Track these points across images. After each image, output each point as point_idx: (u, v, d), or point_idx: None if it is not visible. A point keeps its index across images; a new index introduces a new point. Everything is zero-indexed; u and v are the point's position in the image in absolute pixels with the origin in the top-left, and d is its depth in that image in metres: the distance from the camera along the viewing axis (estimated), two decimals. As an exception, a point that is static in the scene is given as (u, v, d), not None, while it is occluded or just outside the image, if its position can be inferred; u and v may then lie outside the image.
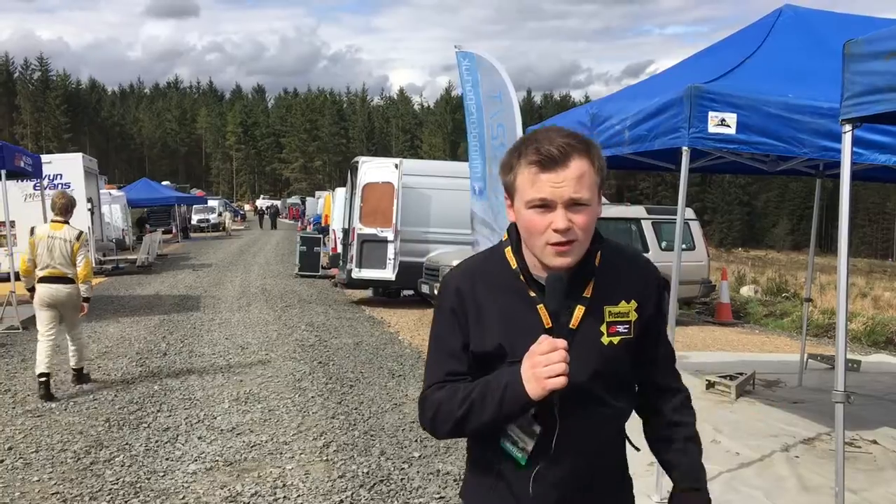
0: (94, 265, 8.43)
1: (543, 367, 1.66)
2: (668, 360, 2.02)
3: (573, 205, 1.73)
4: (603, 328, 1.83)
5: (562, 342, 1.68)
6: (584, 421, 1.81)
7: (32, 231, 7.99)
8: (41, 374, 7.50)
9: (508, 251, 1.89)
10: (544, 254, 1.77)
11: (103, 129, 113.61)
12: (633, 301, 1.86)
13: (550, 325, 1.78)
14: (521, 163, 1.77)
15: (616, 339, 1.83)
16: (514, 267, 1.86)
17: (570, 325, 1.80)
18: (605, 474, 1.92)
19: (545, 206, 1.74)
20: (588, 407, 1.81)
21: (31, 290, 7.96)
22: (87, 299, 7.90)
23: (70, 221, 7.97)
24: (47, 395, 7.44)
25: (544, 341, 1.69)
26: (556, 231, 1.73)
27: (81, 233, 8.04)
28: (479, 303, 1.86)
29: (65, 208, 7.93)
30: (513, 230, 1.89)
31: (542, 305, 1.81)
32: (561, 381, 1.66)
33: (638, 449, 2.06)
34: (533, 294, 1.83)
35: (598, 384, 1.81)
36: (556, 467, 1.82)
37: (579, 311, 1.81)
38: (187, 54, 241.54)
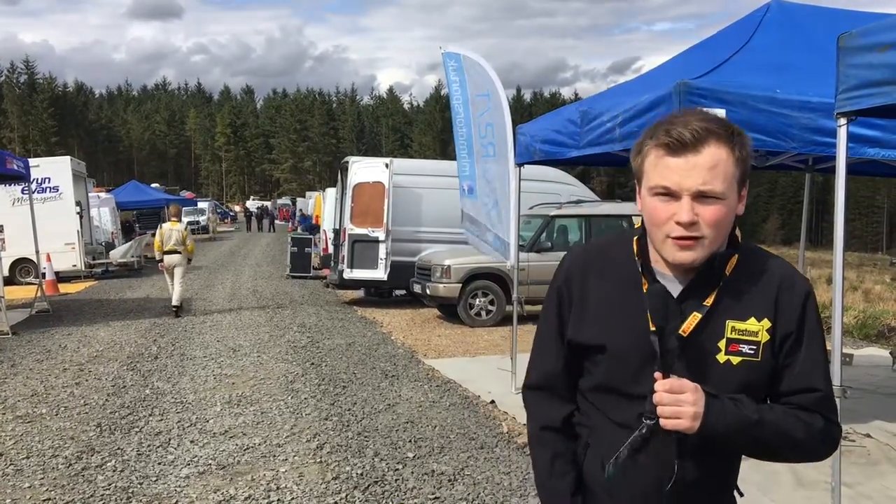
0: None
1: None
2: (811, 393, 1.67)
3: (701, 196, 1.56)
4: (721, 344, 1.62)
5: None
6: (692, 449, 1.64)
7: (161, 227, 13.79)
8: (174, 306, 13.40)
9: (635, 239, 1.75)
10: (664, 247, 1.62)
11: (91, 132, 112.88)
12: (765, 319, 1.63)
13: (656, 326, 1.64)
14: (650, 144, 1.63)
15: (736, 360, 1.62)
16: (636, 257, 1.72)
17: (681, 332, 1.61)
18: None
19: (669, 194, 1.59)
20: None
21: (160, 260, 13.55)
22: (189, 260, 14.07)
23: (181, 219, 13.92)
24: (177, 314, 13.31)
25: None
26: (678, 224, 1.57)
27: (186, 225, 14.00)
28: (587, 288, 1.75)
29: (177, 213, 13.95)
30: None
31: None
32: None
33: (741, 494, 1.86)
34: (647, 286, 1.68)
35: None
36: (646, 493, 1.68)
37: (693, 318, 1.62)
38: (172, 56, 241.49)
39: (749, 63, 5.31)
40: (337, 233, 16.30)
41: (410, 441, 6.19)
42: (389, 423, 6.73)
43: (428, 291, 12.96)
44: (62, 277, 18.80)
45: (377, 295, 16.34)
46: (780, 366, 1.66)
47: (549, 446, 1.84)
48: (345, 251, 14.86)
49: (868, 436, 6.21)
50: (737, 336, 1.63)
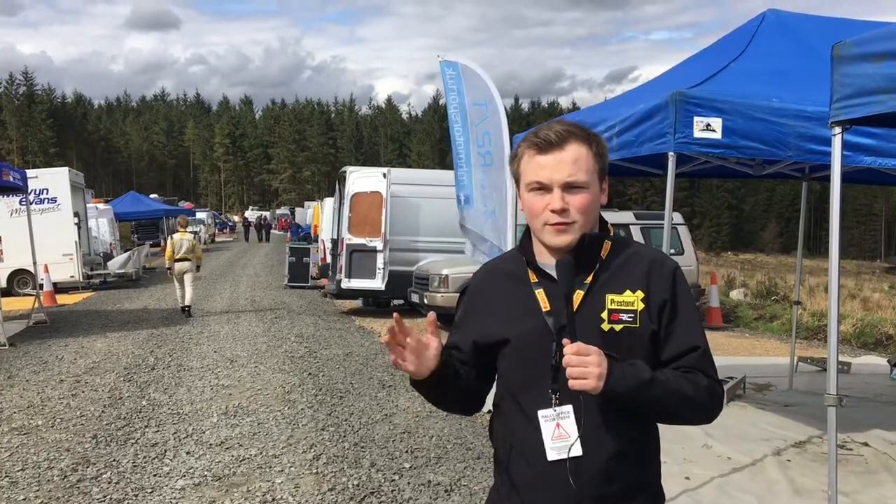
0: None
1: None
2: (694, 352, 1.87)
3: (570, 187, 1.82)
4: (604, 315, 1.84)
5: None
6: (592, 417, 1.80)
7: (172, 237, 15.08)
8: (186, 306, 14.80)
9: (519, 243, 2.01)
10: (543, 234, 1.86)
11: (90, 143, 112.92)
12: (639, 291, 1.85)
13: (549, 307, 1.86)
14: (523, 147, 1.90)
15: (618, 327, 1.83)
16: (521, 257, 1.96)
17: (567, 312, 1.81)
18: (625, 482, 1.84)
19: (542, 188, 1.84)
20: (592, 400, 1.77)
21: (170, 268, 14.91)
22: (198, 267, 15.36)
23: (187, 229, 15.41)
24: (187, 314, 14.65)
25: None
26: (552, 211, 1.82)
27: (195, 234, 16.01)
28: (486, 295, 2.01)
29: (185, 224, 15.48)
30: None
31: (541, 290, 1.89)
32: None
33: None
34: (535, 279, 1.92)
35: None
36: (575, 464, 1.81)
37: (577, 296, 1.84)
38: (171, 67, 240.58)
39: (745, 72, 5.33)
40: (335, 242, 16.29)
41: (407, 451, 6.16)
42: (386, 433, 6.71)
43: (426, 301, 12.94)
44: (60, 288, 18.76)
45: (375, 304, 16.32)
46: (663, 334, 1.86)
47: None
48: (343, 261, 14.85)
49: (866, 444, 6.19)
50: (616, 307, 1.85)
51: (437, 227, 14.43)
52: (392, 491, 5.27)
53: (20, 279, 19.12)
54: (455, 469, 5.73)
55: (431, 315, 1.95)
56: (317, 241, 24.82)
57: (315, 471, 5.70)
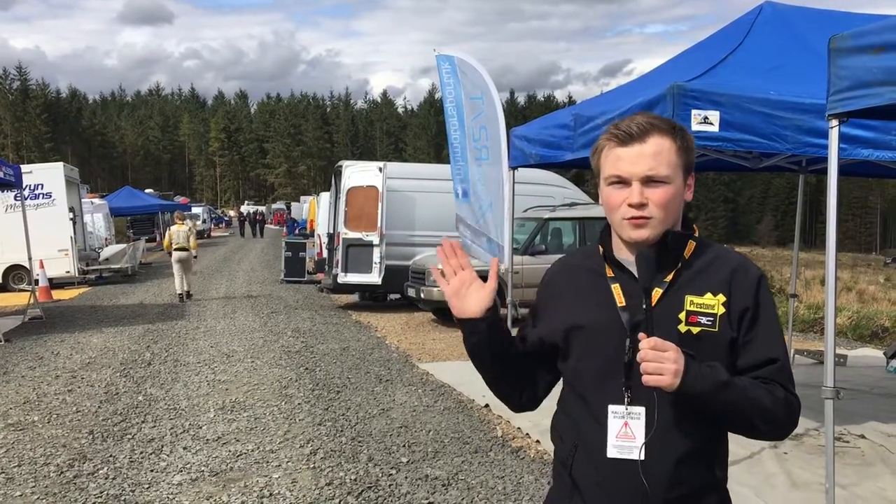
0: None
1: None
2: (773, 364, 1.79)
3: (649, 181, 1.76)
4: (682, 316, 1.78)
5: None
6: (664, 417, 1.74)
7: (170, 228, 16.91)
8: (186, 293, 16.62)
9: (600, 236, 1.95)
10: (622, 228, 1.81)
11: (84, 138, 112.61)
12: (720, 294, 1.78)
13: (623, 303, 1.81)
14: (604, 139, 1.84)
15: (696, 330, 1.77)
16: (599, 251, 1.92)
17: (644, 307, 1.77)
18: (695, 484, 1.78)
19: (621, 181, 1.78)
20: (665, 399, 1.72)
21: (169, 254, 16.68)
22: (195, 256, 17.12)
23: (185, 221, 17.08)
24: (183, 300, 16.39)
25: None
26: (630, 206, 1.76)
27: (190, 227, 17.20)
28: (562, 286, 1.96)
29: (181, 217, 17.21)
30: None
31: (617, 285, 1.84)
32: None
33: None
34: (611, 274, 1.86)
35: None
36: (645, 465, 1.75)
37: (656, 293, 1.79)
38: (165, 61, 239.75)
39: (742, 65, 5.31)
40: (331, 237, 16.27)
41: (404, 446, 6.16)
42: (383, 427, 6.70)
43: (422, 295, 12.93)
44: (55, 284, 18.72)
45: (372, 299, 16.30)
46: (742, 342, 1.79)
47: None
48: (339, 255, 14.82)
49: (862, 437, 6.20)
50: (695, 308, 1.78)
51: (434, 222, 14.38)
52: (389, 485, 5.27)
53: (15, 275, 19.09)
54: (452, 463, 5.73)
55: (495, 260, 1.96)
56: (313, 235, 24.77)
57: (312, 465, 5.69)
